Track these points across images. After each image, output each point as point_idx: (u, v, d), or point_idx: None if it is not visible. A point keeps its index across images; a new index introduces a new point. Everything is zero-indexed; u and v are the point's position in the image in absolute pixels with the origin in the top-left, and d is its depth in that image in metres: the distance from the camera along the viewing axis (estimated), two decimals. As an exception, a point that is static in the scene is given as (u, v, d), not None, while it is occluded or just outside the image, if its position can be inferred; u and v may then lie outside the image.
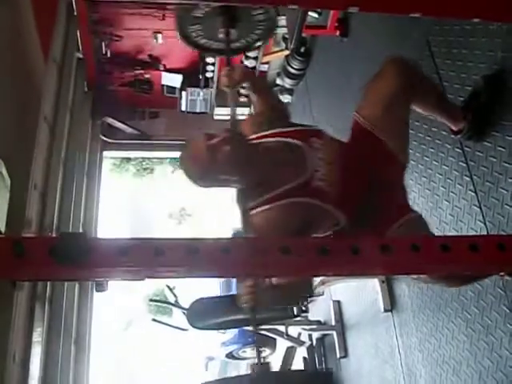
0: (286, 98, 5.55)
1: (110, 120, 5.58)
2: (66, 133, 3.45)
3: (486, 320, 2.45)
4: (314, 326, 4.83)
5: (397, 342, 3.46)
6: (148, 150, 6.38)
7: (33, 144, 2.53)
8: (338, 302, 4.57)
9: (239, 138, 1.98)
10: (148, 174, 13.28)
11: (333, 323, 4.55)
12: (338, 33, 4.37)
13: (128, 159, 11.80)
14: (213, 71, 5.44)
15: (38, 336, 2.37)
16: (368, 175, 2.01)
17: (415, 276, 2.18)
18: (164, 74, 5.53)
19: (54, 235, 2.76)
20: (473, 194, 2.54)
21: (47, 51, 3.02)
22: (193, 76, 5.52)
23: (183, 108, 5.72)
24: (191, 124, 5.72)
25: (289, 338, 4.98)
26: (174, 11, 3.48)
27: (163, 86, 5.61)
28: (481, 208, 2.48)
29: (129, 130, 5.74)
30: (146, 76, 5.56)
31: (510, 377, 2.28)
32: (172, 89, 5.62)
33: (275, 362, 6.59)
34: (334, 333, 4.52)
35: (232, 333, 6.94)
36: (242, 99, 5.68)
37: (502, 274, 1.81)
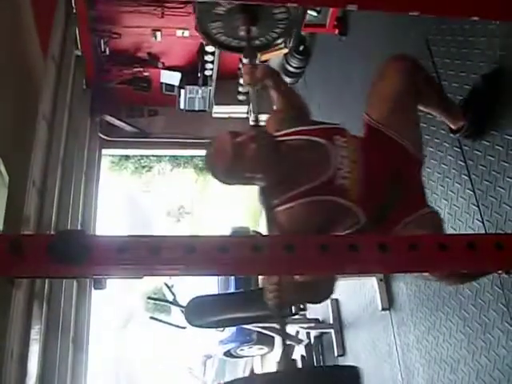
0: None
1: (109, 118, 5.58)
2: (65, 130, 3.44)
3: (483, 318, 2.46)
4: (312, 325, 4.83)
5: (394, 341, 3.47)
6: (146, 148, 6.38)
7: (31, 141, 2.53)
8: (336, 300, 4.58)
9: (265, 136, 2.00)
10: (147, 171, 13.28)
11: (331, 321, 4.56)
12: (336, 31, 4.37)
13: (126, 157, 11.80)
14: (211, 69, 5.44)
15: (35, 334, 2.37)
16: (388, 173, 2.01)
17: (416, 274, 2.18)
18: (163, 71, 5.53)
19: (52, 233, 2.76)
20: (471, 192, 2.54)
21: (46, 49, 3.02)
22: (191, 74, 5.51)
23: (182, 106, 5.71)
24: (190, 122, 5.72)
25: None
26: (194, 8, 3.47)
27: (162, 83, 5.61)
28: (479, 207, 2.48)
29: (127, 127, 5.74)
30: (145, 74, 5.55)
31: (507, 375, 2.29)
32: (171, 87, 5.62)
33: (272, 361, 6.61)
34: (332, 331, 4.53)
35: (230, 331, 6.95)
36: (241, 97, 5.72)
37: (499, 272, 1.81)
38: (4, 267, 1.12)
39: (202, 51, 5.30)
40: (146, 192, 16.21)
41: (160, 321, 5.86)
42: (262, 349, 7.45)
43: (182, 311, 4.50)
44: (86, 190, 4.45)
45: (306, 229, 1.88)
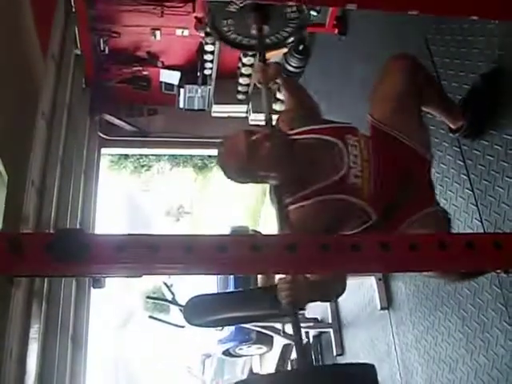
0: (284, 96, 5.55)
1: (108, 117, 5.56)
2: (64, 129, 3.44)
3: (482, 318, 2.46)
4: (311, 324, 4.83)
5: (393, 340, 3.47)
6: (146, 147, 6.37)
7: (30, 140, 2.53)
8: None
9: (279, 135, 2.00)
10: (146, 171, 13.29)
11: (330, 321, 4.56)
12: (336, 31, 4.37)
13: (126, 156, 11.80)
14: (211, 68, 5.43)
15: (35, 333, 2.37)
16: (399, 173, 2.01)
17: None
18: (162, 70, 5.52)
19: (51, 231, 2.76)
20: (470, 192, 2.54)
21: (45, 48, 3.02)
22: (191, 73, 5.50)
23: (181, 105, 5.70)
24: (189, 121, 5.72)
25: (285, 335, 4.98)
26: (206, 5, 3.46)
27: (161, 82, 5.60)
28: (477, 206, 2.49)
29: (127, 126, 5.73)
30: (144, 73, 5.54)
31: (506, 374, 2.29)
32: (170, 86, 5.61)
33: (271, 360, 6.62)
34: (331, 330, 4.53)
35: (229, 330, 6.95)
36: (241, 97, 5.71)
37: (498, 271, 1.81)
38: (3, 266, 1.12)
39: (201, 50, 5.29)
40: (145, 191, 16.23)
41: (159, 320, 5.86)
42: (260, 348, 7.46)
43: (181, 310, 4.50)
44: (85, 189, 4.44)
45: (318, 227, 1.88)
